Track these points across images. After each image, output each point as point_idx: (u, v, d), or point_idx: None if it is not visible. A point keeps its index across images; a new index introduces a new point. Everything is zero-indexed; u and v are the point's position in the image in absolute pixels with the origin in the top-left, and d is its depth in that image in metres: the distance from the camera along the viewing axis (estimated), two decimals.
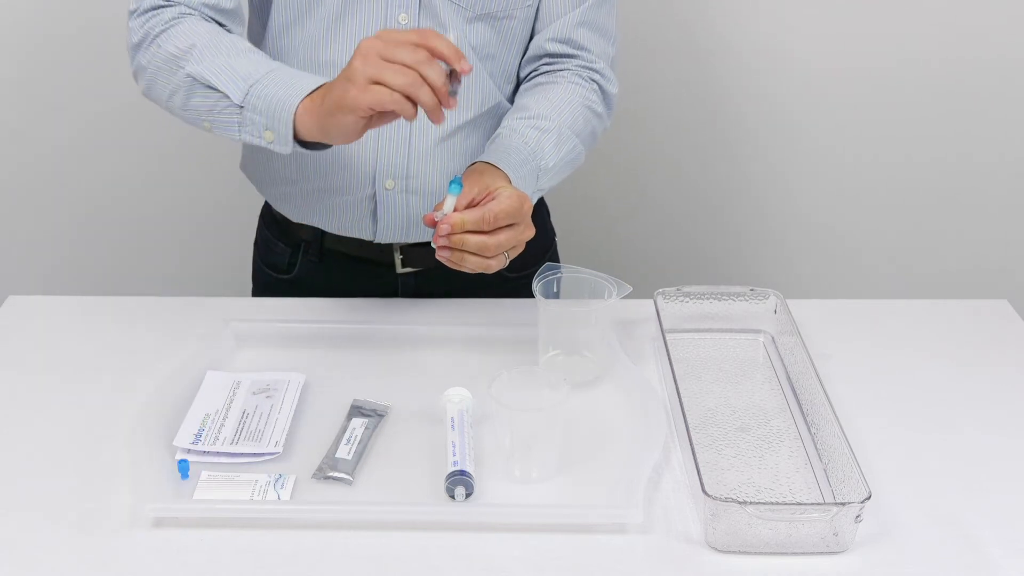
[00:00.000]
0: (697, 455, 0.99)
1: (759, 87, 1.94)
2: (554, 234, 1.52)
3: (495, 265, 1.12)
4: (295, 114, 1.09)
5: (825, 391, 1.08)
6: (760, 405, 1.16)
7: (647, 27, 1.88)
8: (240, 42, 1.18)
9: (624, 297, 1.17)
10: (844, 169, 2.02)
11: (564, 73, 1.31)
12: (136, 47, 1.21)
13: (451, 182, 1.10)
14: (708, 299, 1.28)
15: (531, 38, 1.33)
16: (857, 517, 0.93)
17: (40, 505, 0.99)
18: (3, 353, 1.24)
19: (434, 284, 1.39)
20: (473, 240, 1.09)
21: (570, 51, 1.32)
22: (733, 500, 0.93)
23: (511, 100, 1.34)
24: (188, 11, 1.20)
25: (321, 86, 1.10)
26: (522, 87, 1.34)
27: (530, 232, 1.14)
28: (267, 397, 1.13)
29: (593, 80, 1.32)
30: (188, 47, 1.16)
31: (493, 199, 1.11)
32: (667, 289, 1.28)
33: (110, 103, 1.94)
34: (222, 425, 1.09)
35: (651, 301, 1.27)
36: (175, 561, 0.93)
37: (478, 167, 1.18)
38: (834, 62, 1.92)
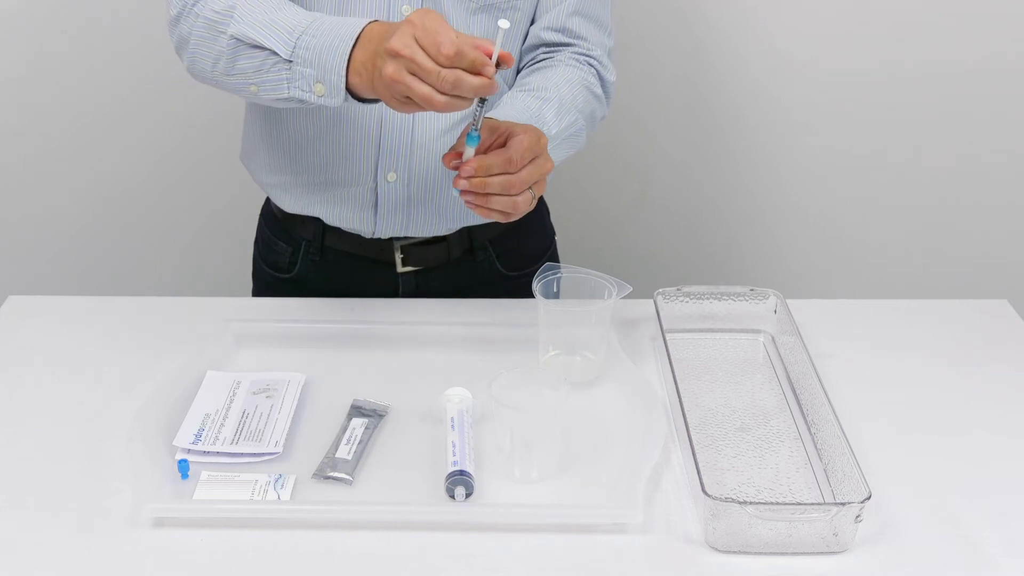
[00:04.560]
0: (697, 455, 0.99)
1: (759, 87, 1.94)
2: (554, 233, 1.52)
3: (522, 203, 1.10)
4: (349, 68, 1.07)
5: (825, 391, 1.08)
6: (760, 405, 1.16)
7: (647, 26, 1.88)
8: None
9: (624, 297, 1.17)
10: (845, 169, 2.02)
11: (562, 57, 1.32)
12: (176, 20, 1.20)
13: (468, 135, 1.08)
14: (708, 299, 1.28)
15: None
16: (857, 517, 0.93)
17: (40, 505, 0.99)
18: (3, 353, 1.24)
19: (435, 283, 1.39)
20: (497, 180, 1.08)
21: (566, 39, 1.32)
22: (733, 500, 0.93)
23: None
24: None
25: (366, 27, 1.08)
26: (520, 73, 1.34)
27: (550, 165, 1.12)
28: (267, 397, 1.13)
29: (591, 65, 1.33)
30: (228, 8, 1.14)
31: (511, 136, 1.10)
32: (667, 289, 1.28)
33: (111, 102, 1.94)
34: (222, 425, 1.09)
35: (651, 301, 1.27)
36: (175, 561, 0.93)
37: (484, 123, 1.17)
38: (836, 62, 1.91)
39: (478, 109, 1.07)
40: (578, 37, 1.33)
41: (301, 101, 1.12)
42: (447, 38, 0.99)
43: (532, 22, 1.33)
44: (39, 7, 1.86)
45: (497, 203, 1.10)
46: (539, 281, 1.18)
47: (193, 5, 1.18)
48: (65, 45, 1.89)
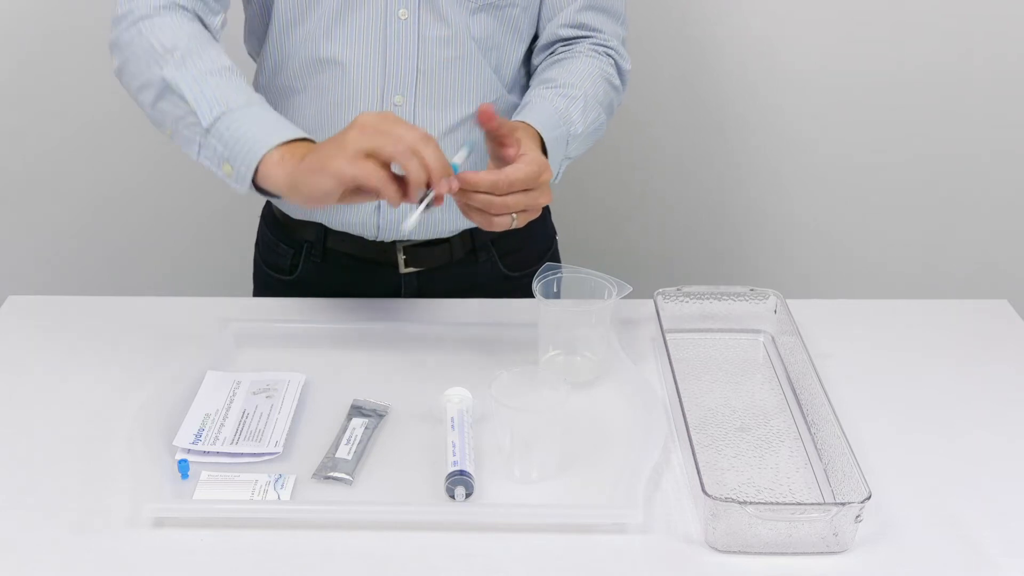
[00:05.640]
0: (697, 455, 0.99)
1: (760, 87, 1.94)
2: (555, 233, 1.52)
3: (497, 223, 1.09)
4: (263, 159, 1.06)
5: (825, 391, 1.08)
6: (760, 405, 1.16)
7: (647, 27, 1.88)
8: (221, 58, 1.15)
9: (624, 297, 1.17)
10: (845, 169, 2.02)
11: (580, 48, 1.33)
12: (118, 20, 1.18)
13: (463, 146, 1.08)
14: (708, 299, 1.28)
15: (537, 28, 1.34)
16: (857, 517, 0.93)
17: (40, 505, 0.99)
18: (3, 353, 1.24)
19: (437, 284, 1.39)
20: (479, 197, 1.07)
21: (582, 33, 1.33)
22: (733, 500, 0.93)
23: (515, 93, 1.35)
24: (169, 3, 1.16)
25: (298, 139, 1.08)
26: (541, 66, 1.34)
27: (545, 199, 1.11)
28: (267, 397, 1.13)
29: (608, 55, 1.34)
30: (170, 47, 1.13)
31: (516, 161, 1.08)
32: (667, 289, 1.28)
33: (110, 102, 1.93)
34: (222, 425, 1.09)
35: (651, 301, 1.27)
36: (175, 561, 0.93)
37: (515, 123, 1.17)
38: (837, 63, 1.91)
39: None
40: (594, 30, 1.34)
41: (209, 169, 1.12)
42: (409, 125, 1.01)
43: (542, 21, 1.33)
44: (40, 6, 1.86)
45: (474, 217, 1.09)
46: (539, 281, 1.18)
47: (138, 20, 1.16)
48: (65, 44, 1.89)
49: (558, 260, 1.51)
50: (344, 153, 1.00)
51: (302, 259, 1.41)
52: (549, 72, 1.30)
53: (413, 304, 1.33)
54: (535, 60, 1.36)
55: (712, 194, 2.06)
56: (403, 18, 1.24)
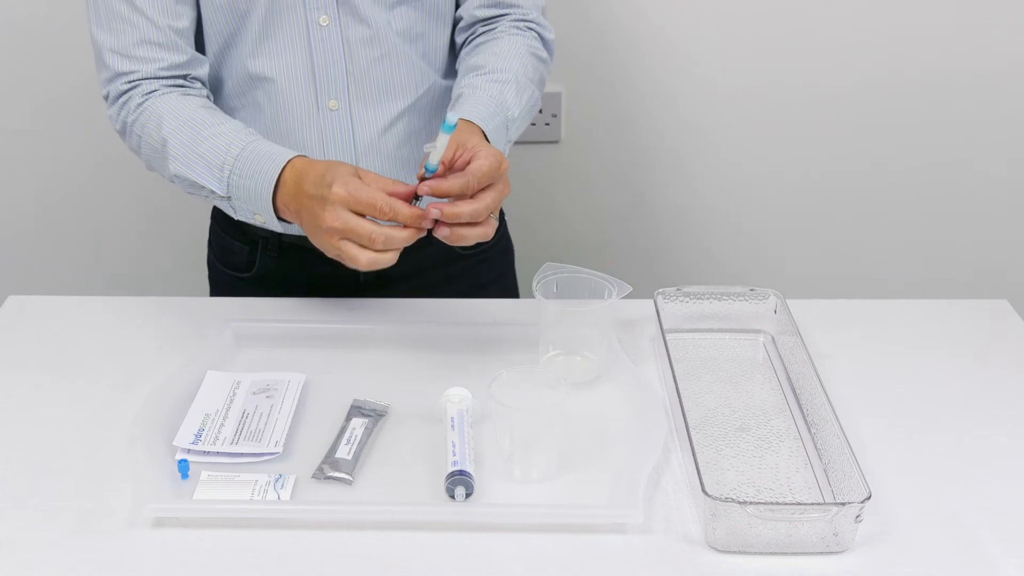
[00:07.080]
0: (697, 455, 0.99)
1: (760, 87, 1.94)
2: (503, 212, 1.51)
3: (491, 229, 1.10)
4: (277, 208, 1.13)
5: (825, 391, 1.08)
6: (760, 405, 1.16)
7: (651, 21, 1.88)
8: (200, 113, 1.19)
9: (624, 297, 1.17)
10: (845, 169, 2.02)
11: (502, 27, 1.33)
12: (120, 134, 1.26)
13: (444, 123, 1.07)
14: (708, 299, 1.28)
15: (456, 9, 1.34)
16: (857, 517, 0.93)
17: (40, 505, 0.99)
18: (3, 353, 1.24)
19: (393, 269, 1.38)
20: (468, 210, 1.07)
21: (500, 12, 1.33)
22: (733, 500, 0.93)
23: (449, 77, 1.35)
24: (150, 88, 1.22)
25: (283, 169, 1.12)
26: (464, 51, 1.34)
27: (508, 189, 1.13)
28: (267, 397, 1.13)
29: (531, 29, 1.34)
30: (162, 142, 1.18)
31: (473, 159, 1.09)
32: (667, 289, 1.28)
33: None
34: (222, 425, 1.09)
35: (651, 301, 1.27)
36: (175, 561, 0.93)
37: (452, 138, 1.18)
38: (836, 64, 1.91)
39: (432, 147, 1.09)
40: (511, 5, 1.34)
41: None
42: (380, 199, 1.05)
43: (459, 2, 1.33)
44: (41, 7, 1.86)
45: (470, 235, 1.10)
46: (539, 281, 1.18)
47: (131, 126, 1.23)
48: (62, 43, 1.89)
49: (508, 237, 1.52)
50: (322, 246, 1.09)
51: (259, 255, 1.40)
52: (476, 58, 1.29)
53: (413, 304, 1.33)
54: (457, 40, 1.35)
55: (712, 194, 2.06)
56: (324, 24, 1.24)
